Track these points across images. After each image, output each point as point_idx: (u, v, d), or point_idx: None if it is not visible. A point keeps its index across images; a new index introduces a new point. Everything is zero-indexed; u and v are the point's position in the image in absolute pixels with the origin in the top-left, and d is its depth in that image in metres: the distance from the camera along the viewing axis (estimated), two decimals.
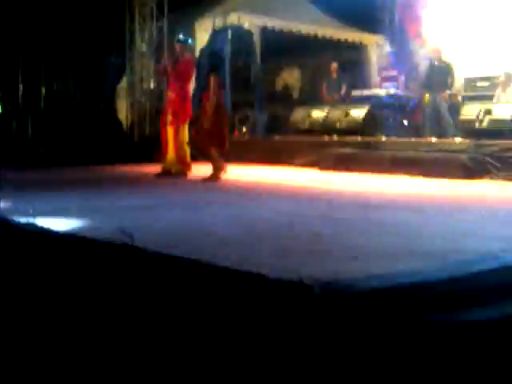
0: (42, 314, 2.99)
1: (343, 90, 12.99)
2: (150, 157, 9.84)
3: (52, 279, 3.18)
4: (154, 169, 8.51)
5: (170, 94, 8.29)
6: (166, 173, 8.21)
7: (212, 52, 9.63)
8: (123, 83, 13.93)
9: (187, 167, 8.29)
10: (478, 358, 2.31)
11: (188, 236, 3.79)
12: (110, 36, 13.46)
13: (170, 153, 8.20)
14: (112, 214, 4.74)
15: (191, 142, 8.15)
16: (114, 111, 13.88)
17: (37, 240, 3.58)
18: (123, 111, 13.53)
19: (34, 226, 3.71)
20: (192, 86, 8.87)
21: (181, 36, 8.97)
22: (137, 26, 13.11)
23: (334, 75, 13.16)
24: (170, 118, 8.17)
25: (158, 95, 13.30)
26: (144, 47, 13.33)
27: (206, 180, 7.62)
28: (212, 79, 7.74)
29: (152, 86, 13.47)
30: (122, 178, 8.76)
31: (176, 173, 8.19)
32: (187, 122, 8.29)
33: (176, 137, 8.14)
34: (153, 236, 3.62)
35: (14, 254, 3.60)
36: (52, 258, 3.38)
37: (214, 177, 7.69)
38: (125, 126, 13.41)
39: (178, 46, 8.43)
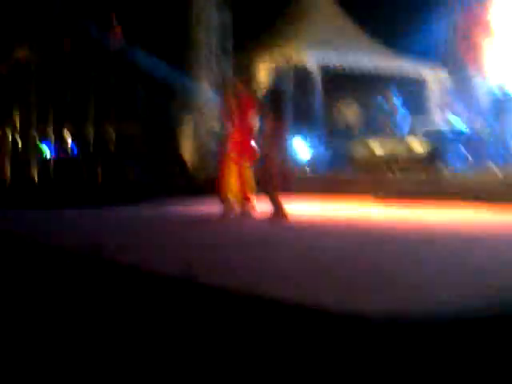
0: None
1: (405, 125, 12.95)
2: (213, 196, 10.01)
3: (120, 313, 3.32)
4: (217, 208, 8.64)
5: (234, 132, 8.38)
6: (230, 211, 8.29)
7: (274, 89, 9.75)
8: (189, 125, 14.29)
9: (252, 206, 8.32)
10: None
11: (254, 272, 3.87)
12: (177, 80, 13.89)
13: (233, 192, 8.27)
14: (180, 251, 4.89)
15: (257, 182, 8.20)
16: (179, 153, 14.22)
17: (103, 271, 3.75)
18: (188, 152, 13.86)
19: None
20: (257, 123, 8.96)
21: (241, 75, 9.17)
22: (203, 69, 13.43)
23: (395, 109, 13.15)
24: (233, 155, 8.27)
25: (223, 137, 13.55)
26: (209, 93, 13.59)
27: (271, 219, 7.68)
28: (269, 116, 7.86)
29: (217, 127, 13.76)
30: (189, 217, 8.93)
31: (241, 211, 8.27)
32: (251, 159, 8.33)
33: (240, 175, 8.25)
34: (220, 273, 3.74)
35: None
36: (119, 290, 3.53)
37: (278, 216, 7.72)
38: (190, 166, 13.73)
39: (239, 84, 8.62)
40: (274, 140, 7.79)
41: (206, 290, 3.18)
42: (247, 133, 8.34)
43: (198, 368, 2.46)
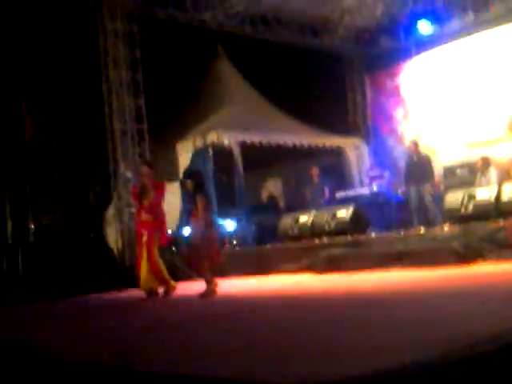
0: None
1: (327, 193, 13.20)
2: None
3: None
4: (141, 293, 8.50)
5: (146, 216, 8.36)
6: (152, 292, 8.25)
7: (194, 171, 9.83)
8: (111, 210, 14.08)
9: (170, 285, 8.34)
10: None
11: (189, 352, 3.72)
12: (95, 166, 13.77)
13: (144, 273, 8.25)
14: (109, 338, 4.68)
15: (185, 261, 8.28)
16: (103, 239, 13.95)
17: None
18: (113, 237, 13.60)
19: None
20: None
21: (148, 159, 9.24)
22: (120, 154, 13.41)
23: (316, 180, 13.43)
24: (145, 238, 8.24)
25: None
26: (128, 173, 13.56)
27: (202, 295, 7.57)
28: (198, 199, 7.86)
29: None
30: (117, 303, 8.67)
31: (163, 291, 8.24)
32: (162, 242, 8.52)
33: (151, 257, 8.22)
34: (152, 356, 3.57)
35: None
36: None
37: (209, 291, 7.65)
38: (116, 252, 13.43)
39: (144, 169, 8.67)
40: (200, 220, 7.80)
41: (140, 376, 3.03)
42: (160, 215, 8.41)
43: None
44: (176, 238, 13.08)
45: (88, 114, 13.65)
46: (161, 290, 8.36)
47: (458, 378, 2.56)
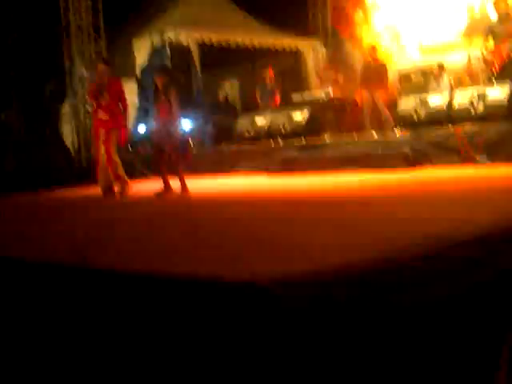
0: None
1: (277, 96, 13.21)
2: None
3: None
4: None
5: (103, 115, 8.35)
6: (109, 190, 8.34)
7: (165, 67, 9.76)
8: (66, 107, 13.93)
9: (126, 183, 8.42)
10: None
11: (141, 248, 3.81)
12: (50, 62, 13.47)
13: (102, 170, 8.32)
14: (68, 235, 4.80)
15: (146, 158, 8.23)
16: (59, 136, 13.85)
17: None
18: (69, 136, 13.53)
19: None
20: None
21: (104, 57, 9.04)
22: (75, 50, 13.13)
23: (268, 82, 13.35)
24: (103, 137, 8.24)
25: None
26: (84, 70, 13.35)
27: (157, 193, 7.73)
28: (174, 95, 7.88)
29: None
30: (74, 201, 8.77)
31: (119, 190, 8.34)
32: (120, 140, 8.48)
33: (109, 155, 8.25)
34: (109, 253, 3.69)
35: None
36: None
37: (167, 190, 7.81)
38: (72, 150, 13.41)
39: (100, 66, 8.57)
40: (176, 113, 7.87)
41: (100, 274, 3.13)
42: (118, 112, 8.33)
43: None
44: (132, 136, 13.06)
45: (43, 9, 13.18)
46: (116, 188, 8.41)
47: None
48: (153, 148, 8.13)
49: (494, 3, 9.41)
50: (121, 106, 8.33)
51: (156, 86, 7.99)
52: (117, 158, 8.36)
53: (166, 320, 2.56)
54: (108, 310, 2.79)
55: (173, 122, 7.84)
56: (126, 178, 8.45)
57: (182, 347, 2.43)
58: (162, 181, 7.88)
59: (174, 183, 7.84)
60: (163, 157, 7.87)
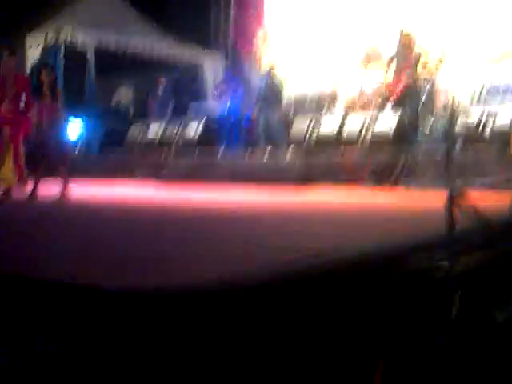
0: None
1: (170, 106, 13.10)
2: None
3: None
4: None
5: (6, 109, 7.92)
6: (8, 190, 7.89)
7: (51, 65, 9.36)
8: None
9: (25, 182, 8.00)
10: None
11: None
12: None
13: (8, 169, 7.87)
14: None
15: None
16: None
17: None
18: None
19: None
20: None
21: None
22: None
23: (162, 91, 13.23)
24: (7, 132, 7.78)
25: None
26: None
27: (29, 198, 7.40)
28: (59, 91, 7.59)
29: None
30: None
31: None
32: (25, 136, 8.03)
33: (18, 151, 7.84)
34: None
35: None
36: None
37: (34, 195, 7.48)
38: None
39: (10, 59, 8.11)
40: (61, 113, 7.63)
41: None
42: (23, 108, 7.88)
43: None
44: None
45: None
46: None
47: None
48: (34, 148, 7.72)
49: (400, 34, 9.78)
50: (24, 103, 7.88)
51: (41, 83, 7.65)
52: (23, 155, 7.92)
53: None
54: None
55: (57, 122, 7.54)
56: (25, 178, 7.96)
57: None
58: (33, 183, 7.52)
59: (55, 185, 7.52)
60: (42, 158, 7.51)
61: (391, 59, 9.89)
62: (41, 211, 6.42)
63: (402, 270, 3.22)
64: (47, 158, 7.51)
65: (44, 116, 7.57)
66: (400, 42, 9.72)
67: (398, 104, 9.66)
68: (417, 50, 9.78)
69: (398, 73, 9.64)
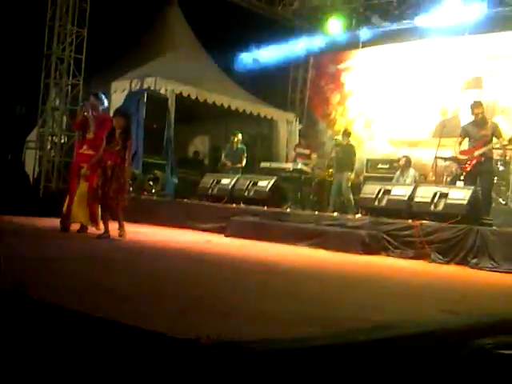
0: None
1: (243, 161, 13.32)
2: (54, 211, 9.73)
3: None
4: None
5: (87, 149, 8.22)
6: (83, 228, 8.14)
7: (128, 112, 9.66)
8: (33, 136, 13.78)
9: (97, 224, 8.19)
10: None
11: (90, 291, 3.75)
12: (25, 88, 13.39)
13: (78, 207, 8.09)
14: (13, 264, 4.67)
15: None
16: (21, 164, 13.63)
17: None
18: (31, 164, 13.33)
19: None
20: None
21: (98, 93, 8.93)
22: (52, 81, 13.10)
23: (235, 145, 13.48)
24: (86, 172, 8.04)
25: (68, 151, 13.24)
26: (57, 102, 13.30)
27: (99, 236, 7.63)
28: (129, 143, 7.86)
29: (62, 140, 13.41)
30: (28, 230, 8.53)
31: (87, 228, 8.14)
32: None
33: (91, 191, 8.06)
34: (52, 289, 3.59)
35: None
36: None
37: (106, 234, 7.71)
38: (31, 178, 13.19)
39: (93, 100, 8.42)
40: (124, 157, 7.77)
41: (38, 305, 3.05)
42: (97, 149, 8.12)
43: None
44: None
45: (27, 35, 13.18)
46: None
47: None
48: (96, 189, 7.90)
49: (472, 107, 9.65)
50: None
51: (113, 128, 7.85)
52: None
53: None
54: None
55: (122, 168, 7.72)
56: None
57: None
58: (103, 224, 7.80)
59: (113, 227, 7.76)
60: (106, 201, 7.72)
61: (465, 131, 9.77)
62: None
63: (465, 352, 3.21)
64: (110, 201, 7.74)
65: (111, 160, 7.72)
66: (473, 112, 9.60)
67: (469, 179, 9.49)
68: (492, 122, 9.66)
69: (472, 146, 9.52)
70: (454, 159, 10.21)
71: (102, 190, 7.68)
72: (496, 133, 9.44)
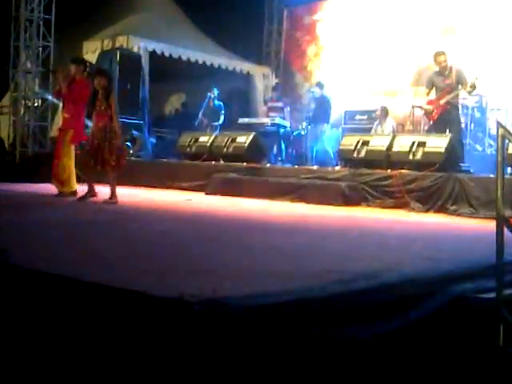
0: None
1: (221, 118, 13.25)
2: (32, 176, 9.66)
3: None
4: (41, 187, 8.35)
5: (66, 115, 8.19)
6: (72, 193, 8.12)
7: (105, 69, 9.55)
8: (6, 101, 13.55)
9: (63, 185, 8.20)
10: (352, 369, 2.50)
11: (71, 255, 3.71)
12: None
13: (62, 172, 8.09)
14: None
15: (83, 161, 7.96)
16: None
17: None
18: (5, 129, 13.14)
19: None
20: None
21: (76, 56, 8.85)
22: (22, 44, 12.83)
23: (212, 103, 13.37)
24: (68, 137, 8.06)
25: (42, 114, 13.06)
26: (29, 65, 13.05)
27: (80, 197, 7.67)
28: (113, 97, 7.73)
29: (36, 104, 13.22)
30: (8, 197, 8.45)
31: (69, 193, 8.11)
32: (79, 142, 8.25)
33: (70, 156, 8.08)
34: (33, 254, 3.54)
35: None
36: None
37: (90, 196, 7.70)
38: (7, 144, 13.02)
39: (73, 67, 8.32)
40: (117, 120, 7.73)
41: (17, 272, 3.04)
42: (77, 115, 8.16)
43: None
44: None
45: None
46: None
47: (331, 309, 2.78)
48: (84, 151, 7.85)
49: (435, 56, 9.66)
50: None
51: (95, 88, 7.76)
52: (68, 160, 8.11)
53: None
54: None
55: (111, 127, 7.63)
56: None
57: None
58: (87, 185, 7.77)
59: (104, 190, 7.71)
60: (93, 162, 7.63)
61: (430, 81, 9.75)
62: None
63: (446, 297, 3.26)
64: (100, 164, 7.64)
65: (98, 121, 7.67)
66: (436, 61, 9.61)
67: (438, 128, 9.56)
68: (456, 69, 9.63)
69: (438, 96, 9.55)
70: (421, 109, 10.25)
71: (94, 157, 7.59)
72: (461, 80, 9.44)
